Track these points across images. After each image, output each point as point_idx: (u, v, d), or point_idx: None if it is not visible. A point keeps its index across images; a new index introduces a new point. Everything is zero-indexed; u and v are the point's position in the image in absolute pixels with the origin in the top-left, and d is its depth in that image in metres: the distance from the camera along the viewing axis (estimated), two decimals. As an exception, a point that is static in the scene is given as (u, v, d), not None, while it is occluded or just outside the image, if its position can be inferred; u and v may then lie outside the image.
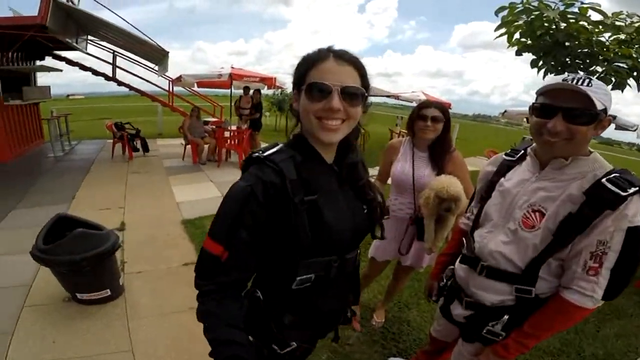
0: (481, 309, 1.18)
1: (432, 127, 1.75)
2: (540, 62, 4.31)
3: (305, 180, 0.80)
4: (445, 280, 1.39)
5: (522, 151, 1.20)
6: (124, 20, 10.91)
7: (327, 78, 0.77)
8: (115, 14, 11.60)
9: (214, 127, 7.84)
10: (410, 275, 2.38)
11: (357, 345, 2.25)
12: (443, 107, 1.79)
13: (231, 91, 8.83)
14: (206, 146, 7.31)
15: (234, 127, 7.79)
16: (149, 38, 7.11)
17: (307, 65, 0.81)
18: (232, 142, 7.45)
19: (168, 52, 7.82)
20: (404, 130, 6.96)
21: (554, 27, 4.06)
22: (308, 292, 0.88)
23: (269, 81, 8.94)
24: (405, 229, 1.96)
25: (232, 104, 8.65)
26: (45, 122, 8.09)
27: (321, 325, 1.02)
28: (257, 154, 0.82)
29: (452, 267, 1.38)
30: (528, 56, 4.42)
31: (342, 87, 0.77)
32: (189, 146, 7.36)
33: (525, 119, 9.89)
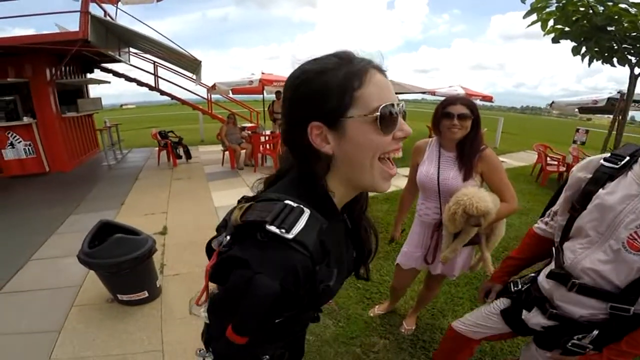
0: (568, 322, 1.12)
1: (459, 125, 1.60)
2: (583, 49, 3.98)
3: (327, 252, 0.59)
4: (520, 286, 1.34)
5: (628, 158, 1.03)
6: (156, 31, 11.52)
7: (387, 97, 0.57)
8: (148, 26, 12.32)
9: (250, 132, 8.09)
10: (442, 283, 2.29)
11: (382, 352, 2.20)
12: (470, 103, 1.65)
13: (263, 96, 9.05)
14: (243, 151, 7.58)
15: (268, 132, 7.97)
16: (182, 48, 7.47)
17: (350, 81, 0.56)
18: (267, 147, 7.65)
19: (201, 62, 8.12)
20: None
21: (590, 11, 3.76)
22: (297, 334, 0.85)
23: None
24: (431, 235, 1.88)
25: (266, 108, 8.86)
26: (100, 132, 8.83)
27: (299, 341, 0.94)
28: (276, 230, 0.53)
29: (532, 274, 1.33)
30: (569, 43, 4.12)
31: (402, 107, 0.60)
32: (227, 152, 7.66)
33: (576, 110, 9.13)
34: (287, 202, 0.57)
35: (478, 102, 10.00)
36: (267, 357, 0.76)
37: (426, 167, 1.79)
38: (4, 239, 4.00)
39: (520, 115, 66.03)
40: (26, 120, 6.99)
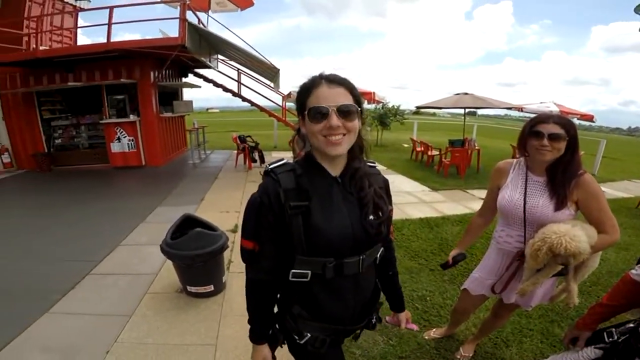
0: None
1: (550, 147, 1.41)
2: None
3: (303, 190, 0.95)
4: (617, 337, 1.30)
5: None
6: (242, 39, 12.27)
7: (323, 101, 0.90)
8: (235, 34, 13.21)
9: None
10: (512, 314, 2.11)
11: None
12: (566, 122, 1.44)
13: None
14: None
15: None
16: (263, 57, 7.82)
17: (305, 93, 0.94)
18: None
19: (279, 70, 8.44)
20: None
21: None
22: (308, 287, 1.02)
23: (367, 96, 8.84)
24: (508, 265, 1.70)
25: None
26: (189, 132, 9.73)
27: (334, 322, 1.07)
28: (266, 168, 1.00)
29: (631, 324, 1.30)
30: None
31: (337, 107, 0.90)
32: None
33: None
34: (282, 159, 1.03)
35: (575, 121, 8.59)
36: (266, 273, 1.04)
37: (510, 192, 1.60)
38: (104, 223, 4.56)
39: (626, 137, 56.05)
40: (132, 117, 7.99)
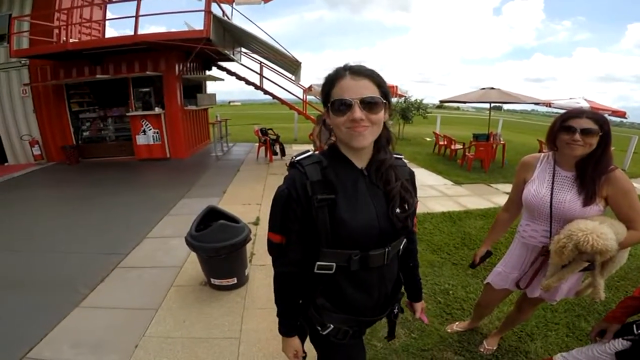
0: None
1: (582, 142, 1.39)
2: None
3: (329, 182, 0.94)
4: None
5: None
6: (265, 32, 12.17)
7: (346, 93, 0.88)
8: (259, 27, 13.10)
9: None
10: (537, 308, 2.10)
11: None
12: (600, 117, 1.41)
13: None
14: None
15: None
16: (285, 49, 7.77)
17: (329, 85, 0.93)
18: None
19: (301, 63, 8.38)
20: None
21: None
22: (332, 279, 1.02)
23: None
24: (533, 260, 1.68)
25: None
26: (212, 125, 9.80)
27: (357, 313, 1.07)
28: (292, 159, 0.99)
29: None
30: None
31: (361, 99, 0.88)
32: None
33: None
34: (308, 150, 1.03)
35: (607, 117, 8.11)
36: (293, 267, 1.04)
37: (536, 187, 1.58)
38: (130, 215, 4.64)
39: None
40: (157, 110, 8.09)
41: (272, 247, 1.05)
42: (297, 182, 0.95)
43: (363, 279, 1.03)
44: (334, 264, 0.98)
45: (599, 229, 1.32)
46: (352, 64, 0.93)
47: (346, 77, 0.90)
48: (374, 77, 0.91)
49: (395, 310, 1.19)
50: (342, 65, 0.94)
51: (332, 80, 0.92)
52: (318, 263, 0.98)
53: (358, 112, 0.87)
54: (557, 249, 1.42)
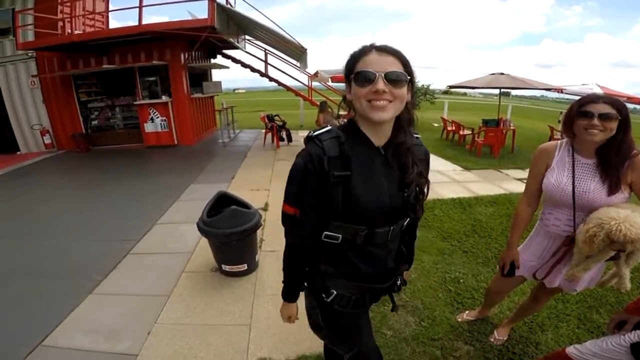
0: None
1: (601, 127, 1.34)
2: None
3: (346, 158, 0.95)
4: None
5: None
6: (270, 20, 12.03)
7: (371, 67, 0.89)
8: (263, 14, 12.95)
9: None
10: (553, 297, 2.07)
11: (464, 358, 2.03)
12: (617, 102, 1.36)
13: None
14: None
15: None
16: (291, 36, 7.66)
17: (354, 59, 0.93)
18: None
19: (306, 49, 8.27)
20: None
21: None
22: (337, 247, 1.05)
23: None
24: (555, 250, 1.62)
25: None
26: (218, 112, 9.77)
27: (359, 279, 1.10)
28: (310, 134, 1.00)
29: None
30: None
31: (386, 73, 0.88)
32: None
33: None
34: (328, 126, 1.03)
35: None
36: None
37: (556, 176, 1.52)
38: (140, 201, 4.71)
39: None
40: (164, 98, 8.11)
41: (286, 219, 1.07)
42: (314, 156, 0.95)
43: (367, 252, 1.07)
44: (340, 235, 1.01)
45: (632, 217, 1.28)
46: (378, 43, 0.94)
47: (372, 52, 0.90)
48: (400, 56, 0.91)
49: (399, 282, 1.22)
50: (367, 43, 0.95)
51: (357, 56, 0.93)
52: (325, 232, 1.02)
53: (381, 84, 0.87)
54: (587, 238, 1.38)
